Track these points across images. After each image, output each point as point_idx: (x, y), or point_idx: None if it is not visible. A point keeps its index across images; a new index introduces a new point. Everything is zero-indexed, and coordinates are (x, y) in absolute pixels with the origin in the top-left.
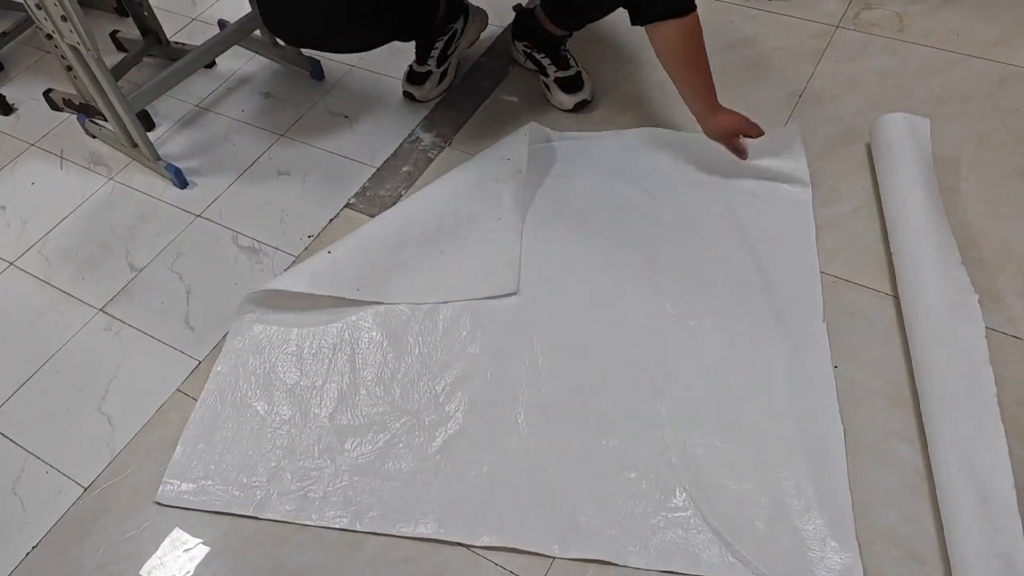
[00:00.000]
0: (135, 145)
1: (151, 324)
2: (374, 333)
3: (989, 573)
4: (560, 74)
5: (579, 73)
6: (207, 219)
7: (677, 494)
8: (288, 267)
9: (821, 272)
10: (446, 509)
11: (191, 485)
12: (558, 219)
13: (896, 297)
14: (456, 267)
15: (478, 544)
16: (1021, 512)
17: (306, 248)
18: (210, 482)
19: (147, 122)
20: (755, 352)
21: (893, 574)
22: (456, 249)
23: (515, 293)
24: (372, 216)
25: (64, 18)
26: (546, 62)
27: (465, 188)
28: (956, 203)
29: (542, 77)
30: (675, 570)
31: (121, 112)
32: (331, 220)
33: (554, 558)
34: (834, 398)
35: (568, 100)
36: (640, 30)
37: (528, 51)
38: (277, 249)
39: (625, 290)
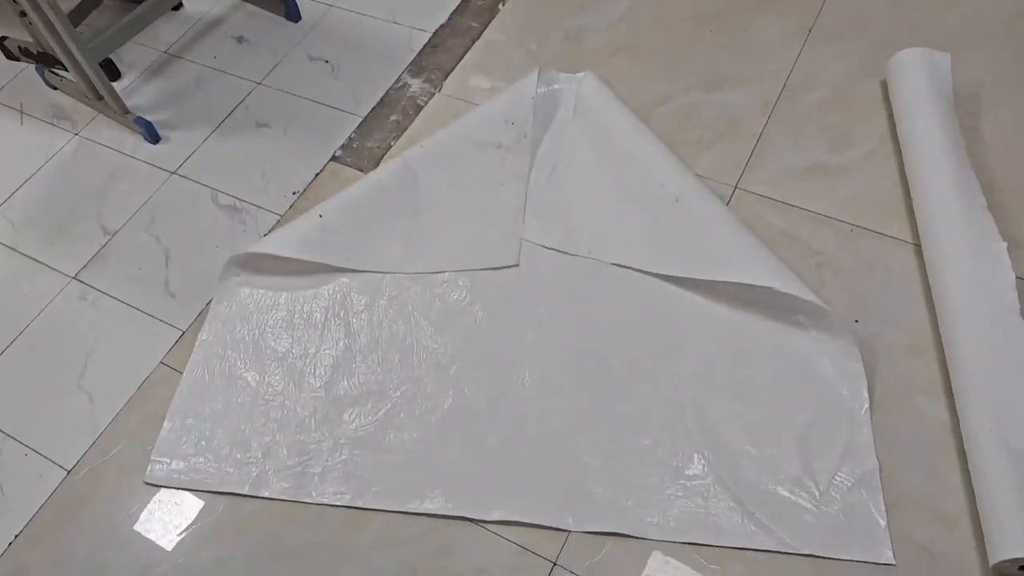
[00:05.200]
0: (100, 97)
1: (129, 292)
2: (369, 296)
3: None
4: None
5: None
6: (183, 176)
7: (695, 461)
8: (273, 227)
9: (836, 220)
10: (452, 482)
11: (181, 463)
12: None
13: (917, 245)
14: (454, 236)
15: (488, 519)
16: None
17: (291, 206)
18: (201, 459)
19: (112, 71)
20: (772, 308)
21: (921, 538)
22: (454, 217)
23: (516, 265)
24: (360, 170)
25: None
26: None
27: (465, 152)
28: (975, 144)
29: None
30: (697, 542)
31: (82, 61)
32: (316, 175)
33: (569, 532)
34: (858, 358)
35: None
36: None
37: None
38: (260, 208)
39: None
